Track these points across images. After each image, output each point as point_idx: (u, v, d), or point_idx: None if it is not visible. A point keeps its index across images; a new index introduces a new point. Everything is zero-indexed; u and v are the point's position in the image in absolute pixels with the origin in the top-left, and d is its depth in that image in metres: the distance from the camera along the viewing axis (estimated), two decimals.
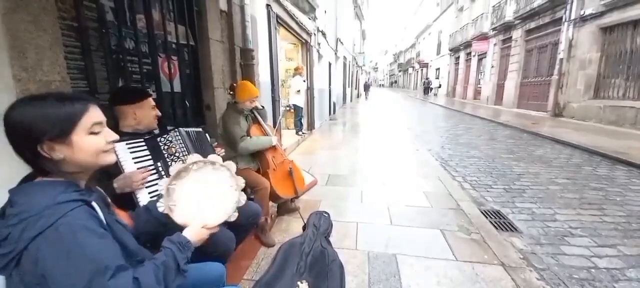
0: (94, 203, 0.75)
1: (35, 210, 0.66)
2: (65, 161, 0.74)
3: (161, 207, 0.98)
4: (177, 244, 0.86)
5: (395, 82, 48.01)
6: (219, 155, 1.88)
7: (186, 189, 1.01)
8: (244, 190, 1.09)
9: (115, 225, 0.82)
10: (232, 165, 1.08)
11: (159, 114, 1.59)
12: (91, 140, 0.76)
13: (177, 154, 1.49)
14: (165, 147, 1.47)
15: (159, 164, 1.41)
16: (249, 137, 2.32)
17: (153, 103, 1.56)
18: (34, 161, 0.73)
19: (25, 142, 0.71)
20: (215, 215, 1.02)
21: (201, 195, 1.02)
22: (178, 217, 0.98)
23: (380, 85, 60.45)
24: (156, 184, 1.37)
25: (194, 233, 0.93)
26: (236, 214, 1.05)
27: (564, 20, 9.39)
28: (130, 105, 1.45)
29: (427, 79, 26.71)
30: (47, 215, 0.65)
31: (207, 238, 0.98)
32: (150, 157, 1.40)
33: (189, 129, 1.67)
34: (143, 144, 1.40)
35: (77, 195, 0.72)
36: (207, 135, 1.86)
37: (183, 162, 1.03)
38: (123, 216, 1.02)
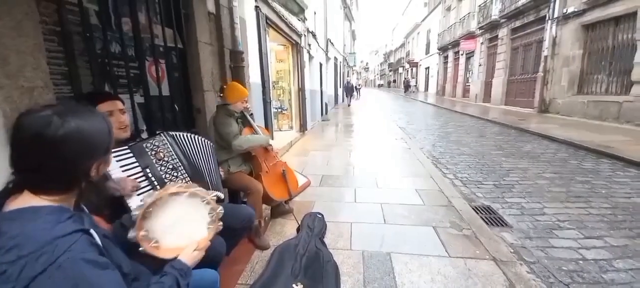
0: (92, 231, 0.73)
1: (34, 246, 0.62)
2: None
3: (143, 249, 0.95)
4: (178, 270, 0.89)
5: (394, 80, 48.68)
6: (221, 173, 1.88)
7: (159, 226, 0.99)
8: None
9: (109, 245, 0.80)
10: (192, 185, 1.08)
11: (123, 120, 1.41)
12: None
13: (165, 158, 1.47)
14: (153, 152, 1.45)
15: (147, 170, 1.39)
16: (241, 136, 2.29)
17: (113, 107, 1.37)
18: (64, 181, 0.72)
19: (84, 159, 0.72)
20: (200, 232, 1.04)
21: (176, 223, 1.01)
22: (165, 254, 0.96)
23: (378, 85, 61.25)
24: (149, 189, 1.36)
25: (189, 257, 0.96)
26: (220, 223, 1.07)
27: (547, 18, 9.64)
28: None
29: (406, 79, 31.91)
30: (48, 251, 0.62)
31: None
32: (137, 164, 1.37)
33: (178, 133, 1.64)
34: (128, 151, 1.37)
35: (72, 223, 0.69)
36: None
37: (142, 205, 0.99)
38: (100, 223, 0.98)
